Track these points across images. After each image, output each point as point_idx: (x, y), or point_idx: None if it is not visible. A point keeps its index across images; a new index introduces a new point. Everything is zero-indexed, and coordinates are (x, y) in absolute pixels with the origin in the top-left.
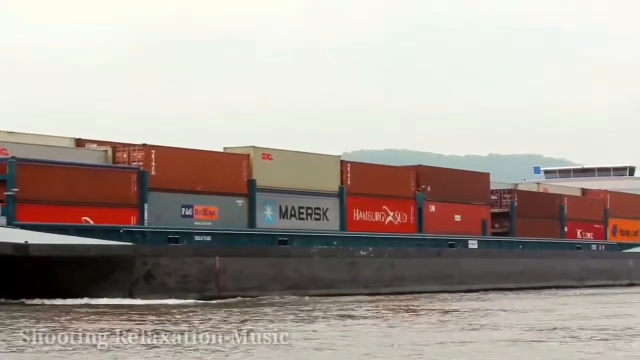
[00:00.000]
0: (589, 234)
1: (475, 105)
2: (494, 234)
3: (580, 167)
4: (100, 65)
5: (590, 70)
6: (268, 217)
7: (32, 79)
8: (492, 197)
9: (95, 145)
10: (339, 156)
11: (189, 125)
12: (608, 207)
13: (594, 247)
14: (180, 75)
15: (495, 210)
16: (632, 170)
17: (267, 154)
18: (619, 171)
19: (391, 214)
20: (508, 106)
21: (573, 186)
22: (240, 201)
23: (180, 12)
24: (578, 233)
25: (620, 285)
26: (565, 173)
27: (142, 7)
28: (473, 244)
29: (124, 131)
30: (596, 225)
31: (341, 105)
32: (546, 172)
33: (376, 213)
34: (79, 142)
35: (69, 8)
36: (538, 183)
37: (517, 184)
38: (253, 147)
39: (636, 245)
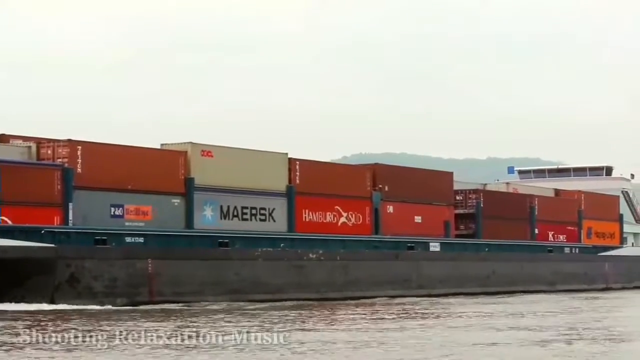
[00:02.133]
0: (561, 236)
1: (475, 108)
2: (458, 235)
3: (555, 167)
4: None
5: (589, 73)
6: (207, 218)
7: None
8: (457, 198)
9: (20, 141)
10: (286, 154)
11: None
12: (582, 208)
13: (567, 249)
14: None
15: (460, 211)
16: (609, 170)
17: (207, 151)
18: (596, 171)
19: (344, 214)
20: (507, 109)
21: (547, 187)
22: (176, 200)
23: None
24: (550, 235)
25: (596, 290)
26: (539, 173)
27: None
28: (435, 247)
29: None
30: (569, 227)
31: (341, 107)
32: (520, 172)
33: (328, 214)
34: (3, 138)
35: (67, 7)
36: (508, 183)
37: (485, 184)
38: (191, 143)
39: (613, 247)
